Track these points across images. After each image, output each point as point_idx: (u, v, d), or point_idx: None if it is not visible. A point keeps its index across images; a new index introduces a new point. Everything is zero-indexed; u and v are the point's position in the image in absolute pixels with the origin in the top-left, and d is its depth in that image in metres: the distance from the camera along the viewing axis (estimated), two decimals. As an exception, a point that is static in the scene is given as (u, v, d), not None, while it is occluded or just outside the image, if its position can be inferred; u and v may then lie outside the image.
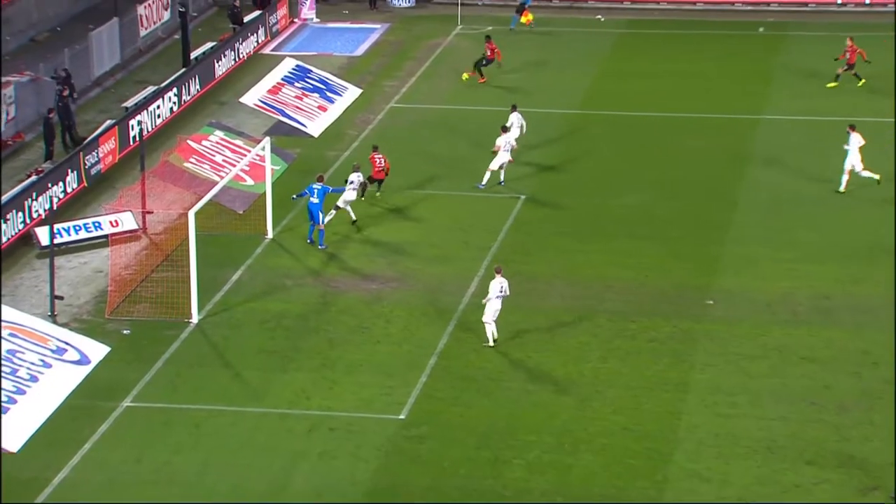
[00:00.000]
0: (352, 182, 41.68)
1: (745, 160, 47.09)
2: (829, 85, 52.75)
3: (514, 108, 46.87)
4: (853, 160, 43.82)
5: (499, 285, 35.33)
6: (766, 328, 36.43)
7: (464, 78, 54.21)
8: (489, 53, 54.29)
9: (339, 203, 41.64)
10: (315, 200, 40.60)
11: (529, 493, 29.80)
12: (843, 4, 64.07)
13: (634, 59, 58.31)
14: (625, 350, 35.42)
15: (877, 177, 43.80)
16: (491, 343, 35.35)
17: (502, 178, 44.52)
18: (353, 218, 41.96)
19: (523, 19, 61.09)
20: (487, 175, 44.31)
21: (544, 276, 39.28)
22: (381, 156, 43.70)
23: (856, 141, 43.87)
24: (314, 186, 40.82)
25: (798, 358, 35.00)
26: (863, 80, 52.66)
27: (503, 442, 31.47)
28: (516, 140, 45.43)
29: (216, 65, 54.96)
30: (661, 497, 29.61)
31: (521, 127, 46.36)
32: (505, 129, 45.11)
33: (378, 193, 43.84)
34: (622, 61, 58.02)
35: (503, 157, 44.30)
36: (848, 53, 52.71)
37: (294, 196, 42.01)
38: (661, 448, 31.24)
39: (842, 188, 43.88)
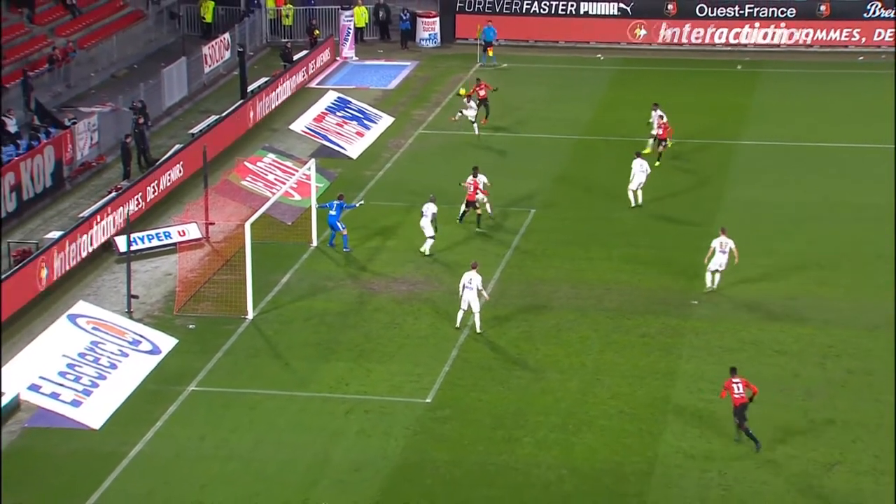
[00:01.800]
0: (424, 211, 40.38)
1: (726, 179, 46.87)
2: (656, 165, 46.50)
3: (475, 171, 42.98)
4: (638, 180, 43.21)
5: (468, 277, 35.21)
6: (744, 325, 36.25)
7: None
8: (482, 93, 51.60)
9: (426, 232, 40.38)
10: (332, 213, 40.70)
11: (538, 466, 29.72)
12: (810, 45, 63.76)
13: (630, 91, 58.07)
14: (621, 343, 35.28)
15: (632, 204, 43.32)
16: (457, 325, 35.35)
17: (489, 208, 42.76)
18: (426, 247, 40.22)
19: (490, 52, 60.91)
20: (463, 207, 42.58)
21: (552, 279, 39.15)
22: (471, 181, 41.95)
23: (636, 167, 43.11)
24: (333, 202, 40.97)
25: (771, 351, 34.84)
26: (658, 164, 46.45)
27: (515, 423, 31.39)
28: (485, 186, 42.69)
29: (269, 97, 54.97)
30: (651, 471, 29.49)
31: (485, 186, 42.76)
32: (475, 170, 42.61)
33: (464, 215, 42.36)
34: (619, 94, 57.82)
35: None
36: (660, 129, 47.57)
37: (318, 204, 41.84)
38: (652, 429, 31.12)
39: (632, 205, 43.50)
